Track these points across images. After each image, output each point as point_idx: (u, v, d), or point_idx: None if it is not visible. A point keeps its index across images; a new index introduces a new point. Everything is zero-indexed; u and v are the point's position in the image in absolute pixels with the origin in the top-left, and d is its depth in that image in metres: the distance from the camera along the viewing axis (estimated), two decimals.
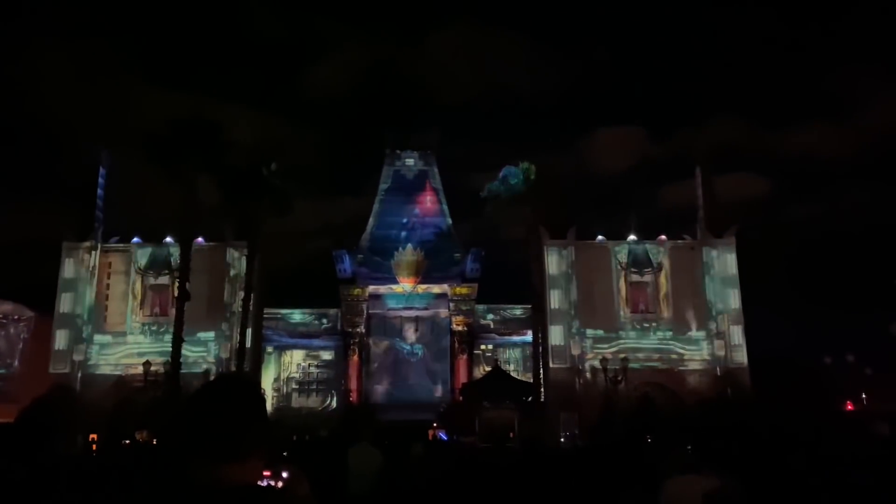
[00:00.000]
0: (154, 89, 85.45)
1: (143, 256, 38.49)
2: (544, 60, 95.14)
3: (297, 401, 44.85)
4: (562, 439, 32.11)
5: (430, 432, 33.35)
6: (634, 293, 38.00)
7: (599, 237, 39.16)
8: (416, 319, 46.05)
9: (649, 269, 38.17)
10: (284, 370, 45.47)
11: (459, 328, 44.74)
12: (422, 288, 45.40)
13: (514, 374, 41.14)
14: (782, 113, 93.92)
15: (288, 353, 45.61)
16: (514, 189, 38.35)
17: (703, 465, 5.85)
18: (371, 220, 47.21)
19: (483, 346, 45.50)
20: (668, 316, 37.86)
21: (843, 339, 42.65)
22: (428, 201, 47.66)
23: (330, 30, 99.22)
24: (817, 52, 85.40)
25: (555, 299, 37.35)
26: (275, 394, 44.10)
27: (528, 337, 41.48)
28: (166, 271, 37.56)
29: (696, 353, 37.54)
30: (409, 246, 45.36)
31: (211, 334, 37.11)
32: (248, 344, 35.56)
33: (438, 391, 44.52)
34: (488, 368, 41.28)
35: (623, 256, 38.36)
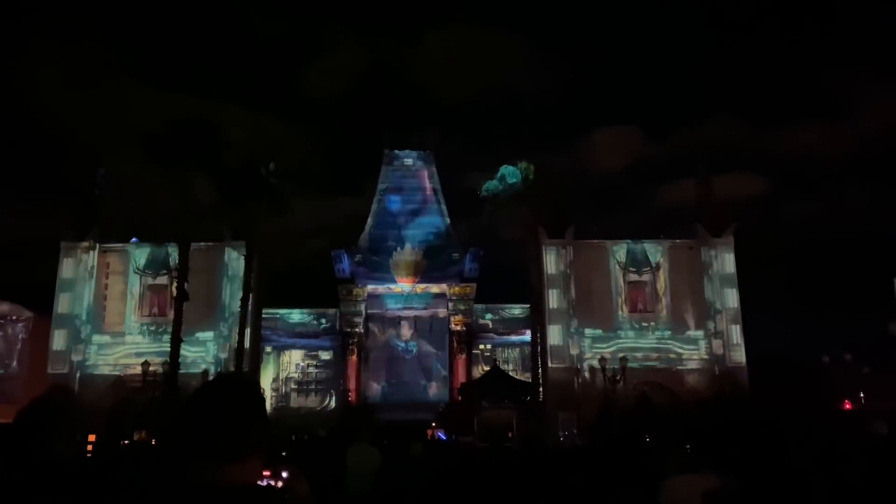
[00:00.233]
0: (152, 89, 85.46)
1: (141, 256, 38.46)
2: (542, 60, 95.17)
3: (295, 401, 44.86)
4: (560, 439, 32.11)
5: (429, 432, 33.37)
6: (633, 293, 38.03)
7: (598, 237, 39.17)
8: (415, 319, 46.09)
9: (648, 269, 38.21)
10: (283, 370, 45.49)
11: (458, 328, 44.77)
12: (420, 288, 45.42)
13: (512, 374, 41.16)
14: (779, 112, 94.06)
15: (287, 352, 45.62)
16: (513, 189, 38.39)
17: (702, 464, 5.85)
18: (369, 220, 47.22)
19: (481, 346, 45.53)
20: (667, 315, 37.91)
21: (842, 339, 42.71)
22: (426, 201, 47.67)
23: (327, 30, 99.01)
24: (814, 51, 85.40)
25: (553, 299, 37.38)
26: (273, 394, 44.12)
27: (527, 336, 41.53)
28: (165, 271, 37.55)
29: (694, 353, 37.58)
30: (408, 246, 45.39)
31: (209, 334, 37.11)
32: (247, 344, 35.55)
33: (437, 391, 44.55)
34: (487, 368, 41.30)
35: (621, 256, 38.39)
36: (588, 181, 73.22)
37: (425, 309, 45.99)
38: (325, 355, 45.59)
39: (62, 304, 36.86)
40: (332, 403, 44.20)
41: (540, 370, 37.72)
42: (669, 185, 76.03)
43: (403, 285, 45.21)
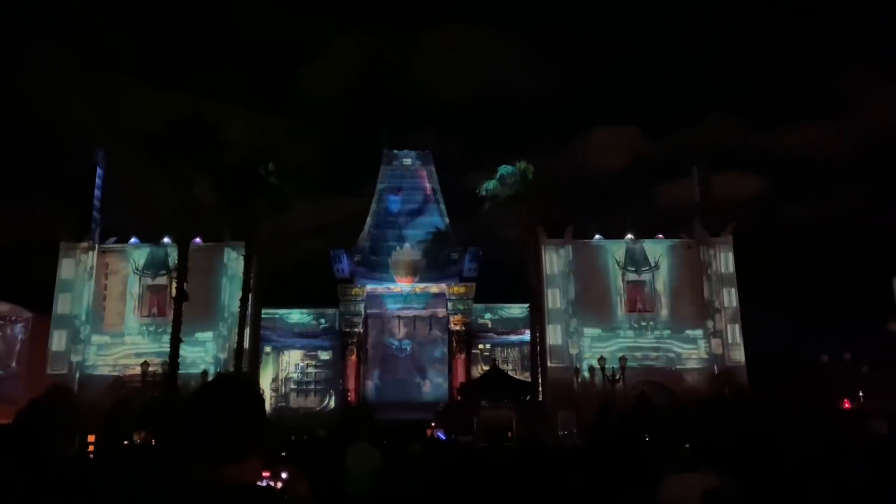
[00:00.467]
0: (151, 89, 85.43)
1: (140, 257, 38.44)
2: (540, 60, 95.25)
3: (295, 401, 44.84)
4: (560, 438, 32.10)
5: (429, 432, 33.35)
6: (632, 292, 38.05)
7: (597, 236, 39.19)
8: (414, 319, 46.08)
9: (647, 268, 38.23)
10: (283, 370, 45.46)
11: (457, 328, 44.75)
12: (419, 287, 45.40)
13: (512, 374, 41.13)
14: (778, 111, 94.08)
15: (286, 353, 45.60)
16: (512, 188, 38.37)
17: (701, 463, 5.86)
18: (368, 220, 47.18)
19: (481, 346, 45.51)
20: (666, 315, 37.92)
21: (841, 338, 42.76)
22: (425, 201, 47.65)
23: (325, 30, 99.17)
24: (812, 50, 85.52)
25: (552, 298, 37.38)
26: (273, 394, 44.10)
27: (526, 336, 41.52)
28: (164, 271, 37.53)
29: (693, 352, 37.59)
30: (407, 245, 45.38)
31: (209, 334, 37.10)
32: (247, 344, 35.54)
33: (436, 391, 44.52)
34: (486, 368, 41.28)
35: (620, 255, 38.40)
36: (587, 181, 73.27)
37: (424, 309, 45.97)
38: (325, 355, 45.57)
39: (61, 304, 36.85)
40: (332, 403, 44.19)
41: (539, 370, 37.72)
42: (668, 185, 75.92)
43: (403, 285, 45.20)
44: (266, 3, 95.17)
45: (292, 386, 45.34)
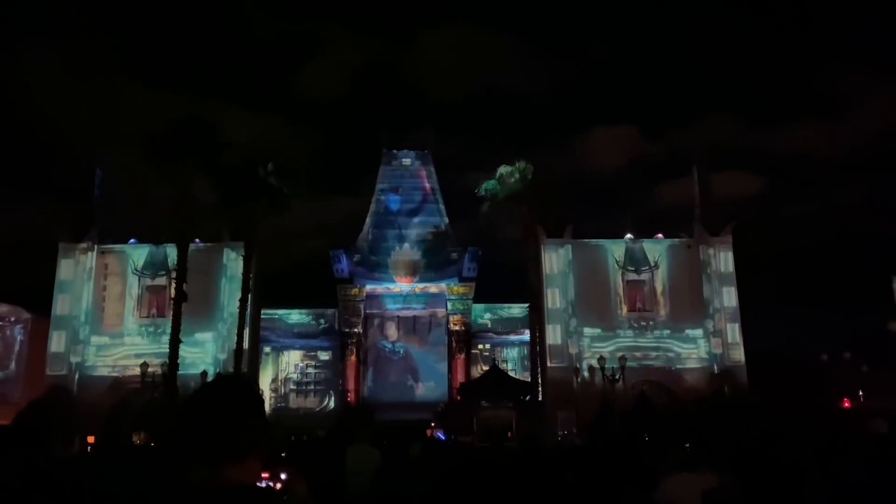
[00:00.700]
0: (150, 90, 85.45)
1: (139, 257, 38.42)
2: (539, 59, 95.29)
3: (294, 401, 44.80)
4: (560, 438, 32.12)
5: (428, 432, 33.32)
6: (632, 292, 38.06)
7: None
8: (414, 319, 46.05)
9: (646, 268, 38.24)
10: (282, 371, 45.41)
11: (457, 327, 44.71)
12: (419, 287, 45.38)
13: (511, 374, 41.13)
14: (776, 111, 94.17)
15: (286, 353, 45.56)
16: (511, 188, 38.37)
17: (701, 462, 5.85)
18: (368, 220, 47.14)
19: (480, 346, 45.46)
20: (666, 314, 37.93)
21: (841, 337, 42.81)
22: (425, 200, 47.61)
23: (324, 30, 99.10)
24: (810, 50, 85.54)
25: (552, 298, 37.39)
26: (273, 394, 44.07)
27: (526, 336, 41.53)
28: (163, 272, 37.52)
29: (693, 351, 37.60)
30: (406, 245, 45.35)
31: (208, 335, 37.08)
32: (246, 345, 35.52)
33: (436, 391, 44.49)
34: (486, 368, 41.27)
35: (620, 255, 38.42)
36: (586, 180, 73.32)
37: (424, 309, 45.95)
38: (324, 356, 45.53)
39: (61, 305, 36.82)
40: (331, 404, 44.14)
41: (539, 370, 37.73)
42: (667, 184, 75.99)
43: (402, 285, 45.18)
44: (265, 4, 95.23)
45: (292, 386, 45.30)
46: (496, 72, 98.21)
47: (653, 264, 38.31)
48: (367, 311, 45.58)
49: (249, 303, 35.36)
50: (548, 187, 37.67)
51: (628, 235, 39.00)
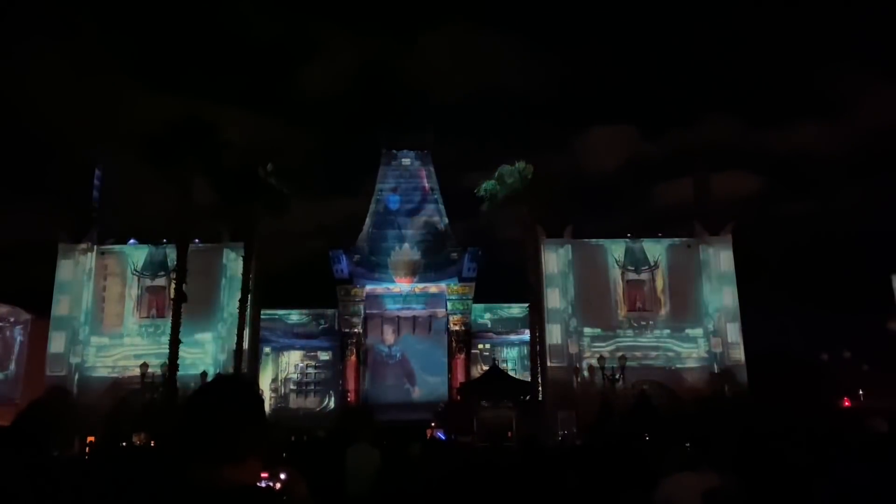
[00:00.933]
0: (149, 91, 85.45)
1: (139, 258, 38.44)
2: (537, 60, 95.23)
3: (294, 401, 44.79)
4: (560, 438, 32.13)
5: (428, 432, 33.32)
6: (631, 291, 38.08)
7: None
8: (414, 319, 46.04)
9: (646, 268, 38.27)
10: (282, 371, 45.40)
11: (457, 328, 44.69)
12: (419, 288, 45.37)
13: (511, 374, 41.14)
14: (775, 111, 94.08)
15: (285, 353, 45.55)
16: (510, 188, 38.38)
17: (702, 462, 5.85)
18: (367, 220, 47.13)
19: (480, 346, 45.43)
20: (665, 314, 37.95)
21: (840, 336, 42.74)
22: (424, 201, 47.61)
23: (323, 30, 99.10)
24: (809, 49, 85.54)
25: (552, 298, 37.40)
26: (272, 395, 44.06)
27: (526, 336, 41.52)
28: (163, 273, 37.54)
29: (693, 351, 37.62)
30: (406, 245, 45.34)
31: (208, 335, 37.09)
32: (246, 345, 35.54)
33: (436, 391, 44.48)
34: (486, 368, 41.27)
35: (620, 255, 38.43)
36: (585, 180, 73.31)
37: (424, 309, 45.94)
38: (324, 356, 45.52)
39: (60, 306, 36.83)
40: (331, 404, 44.12)
41: (539, 369, 37.74)
42: (667, 184, 75.94)
43: (402, 285, 45.17)
44: (264, 5, 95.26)
45: (292, 387, 45.29)
46: (496, 72, 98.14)
47: (652, 264, 38.34)
48: (367, 312, 45.58)
49: (249, 303, 35.37)
50: (547, 187, 37.69)
51: (628, 235, 39.02)
